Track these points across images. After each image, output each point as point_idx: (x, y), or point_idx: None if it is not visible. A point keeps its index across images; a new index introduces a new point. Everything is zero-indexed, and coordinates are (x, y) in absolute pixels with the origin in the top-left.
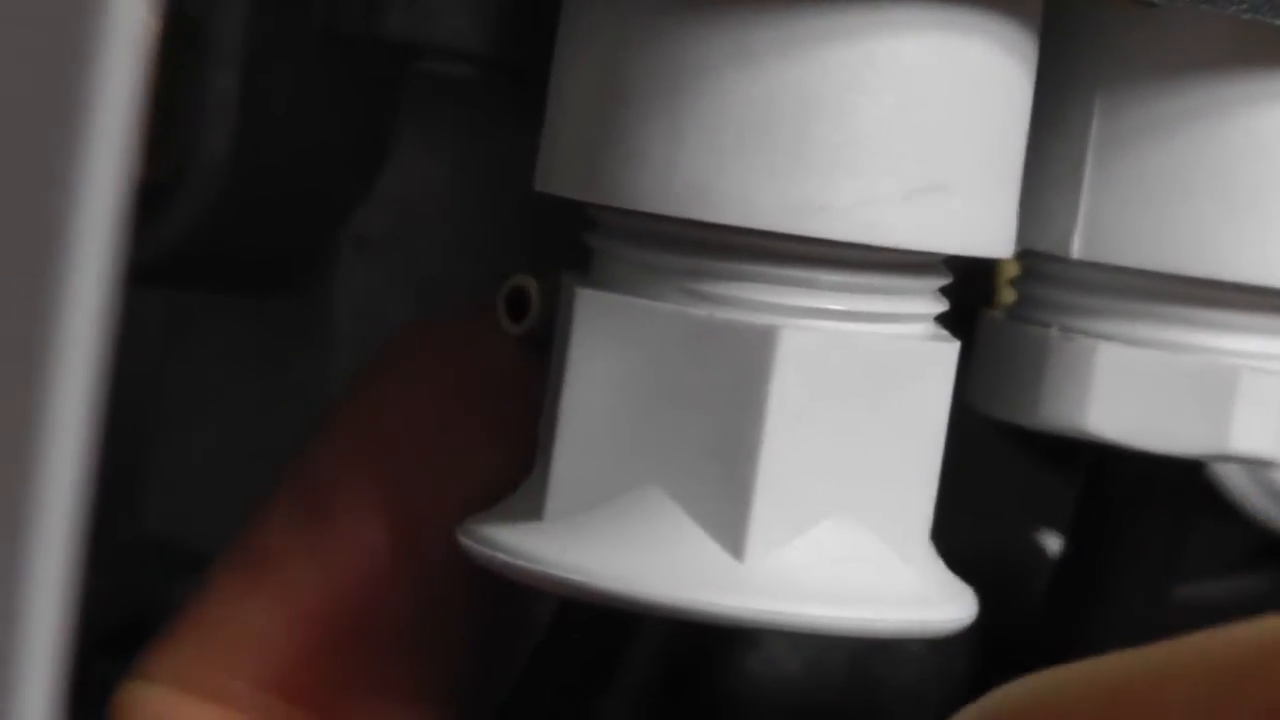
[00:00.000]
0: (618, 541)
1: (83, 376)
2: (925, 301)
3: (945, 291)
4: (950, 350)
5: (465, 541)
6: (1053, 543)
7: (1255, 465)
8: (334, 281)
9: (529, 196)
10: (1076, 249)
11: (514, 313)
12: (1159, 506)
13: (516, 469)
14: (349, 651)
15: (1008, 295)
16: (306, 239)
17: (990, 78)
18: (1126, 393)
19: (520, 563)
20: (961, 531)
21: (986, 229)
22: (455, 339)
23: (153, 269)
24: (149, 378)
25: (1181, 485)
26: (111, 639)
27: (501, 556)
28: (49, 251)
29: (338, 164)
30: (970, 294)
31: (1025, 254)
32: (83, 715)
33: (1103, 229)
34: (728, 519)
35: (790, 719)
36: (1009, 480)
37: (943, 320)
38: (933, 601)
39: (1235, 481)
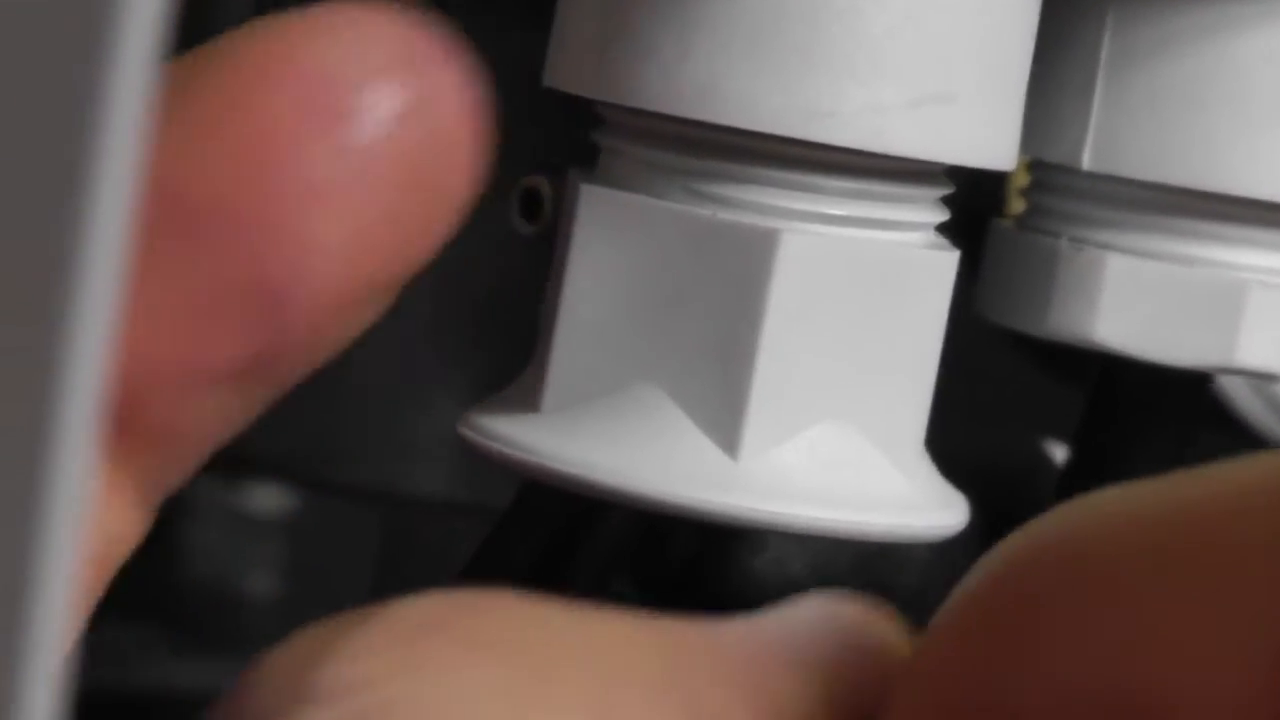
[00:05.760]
0: (613, 437)
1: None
2: (926, 210)
3: (948, 200)
4: (949, 259)
5: (464, 430)
6: (1058, 451)
7: (1261, 380)
8: None
9: (543, 93)
10: (1087, 160)
11: (527, 212)
12: (1165, 418)
13: None
14: None
15: (1018, 204)
16: None
17: None
18: (1135, 304)
19: (516, 454)
20: (967, 438)
21: (989, 140)
22: None
23: None
24: None
25: (1187, 398)
26: None
27: (498, 446)
28: (60, 238)
29: None
30: (980, 201)
31: (1036, 164)
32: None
33: (1114, 141)
34: (723, 418)
35: None
36: (1015, 388)
37: (944, 229)
38: (924, 507)
39: (1240, 397)
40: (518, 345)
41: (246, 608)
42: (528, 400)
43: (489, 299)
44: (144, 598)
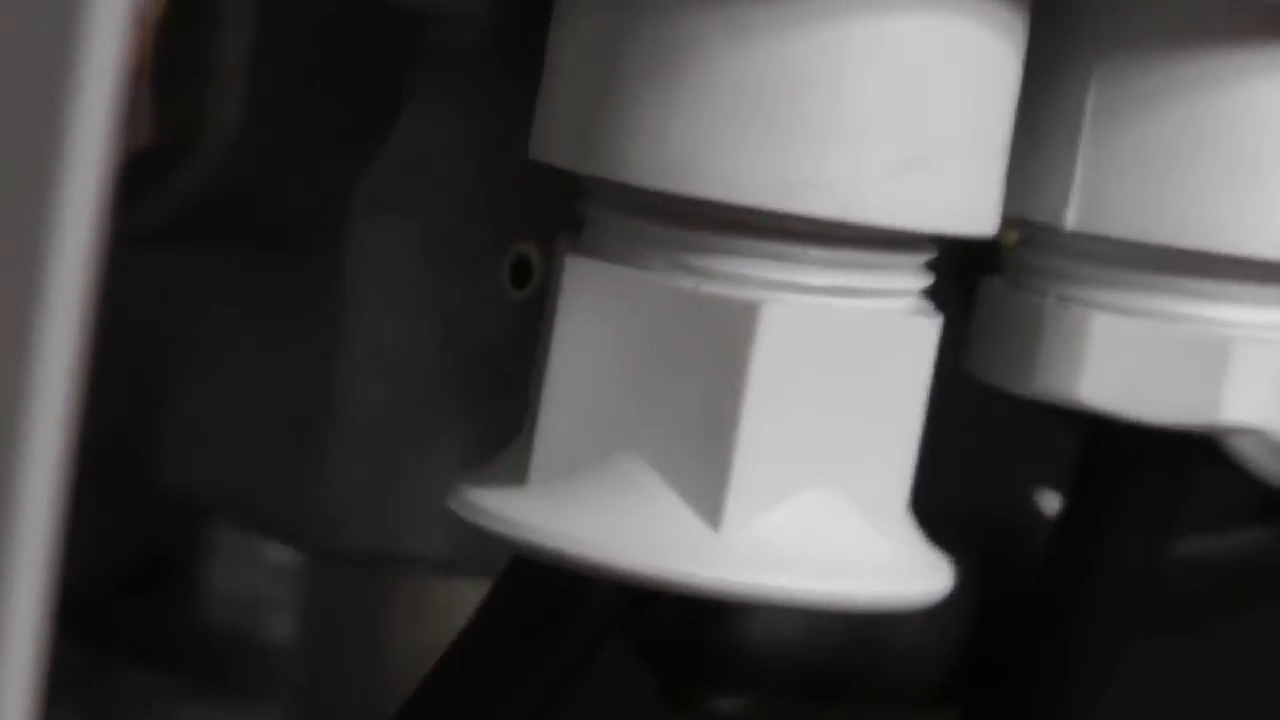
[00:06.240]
0: (596, 509)
1: (67, 337)
2: (909, 276)
3: (933, 265)
4: (932, 325)
5: (452, 502)
6: (1051, 501)
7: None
8: (346, 239)
9: (532, 161)
10: (1071, 220)
11: (517, 279)
12: (1158, 464)
13: None
14: None
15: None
16: (317, 199)
17: (977, 57)
18: (1119, 362)
19: (502, 527)
20: (960, 490)
21: (970, 207)
22: None
23: (168, 229)
24: (166, 334)
25: (1180, 443)
26: (131, 581)
27: (485, 520)
28: (36, 214)
29: (347, 127)
30: (976, 255)
31: (1021, 222)
32: (107, 651)
33: (1097, 201)
34: (706, 489)
35: (790, 682)
36: (1007, 439)
37: (929, 293)
38: (909, 574)
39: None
40: (516, 405)
41: (268, 653)
42: (514, 472)
43: (485, 360)
44: (168, 645)
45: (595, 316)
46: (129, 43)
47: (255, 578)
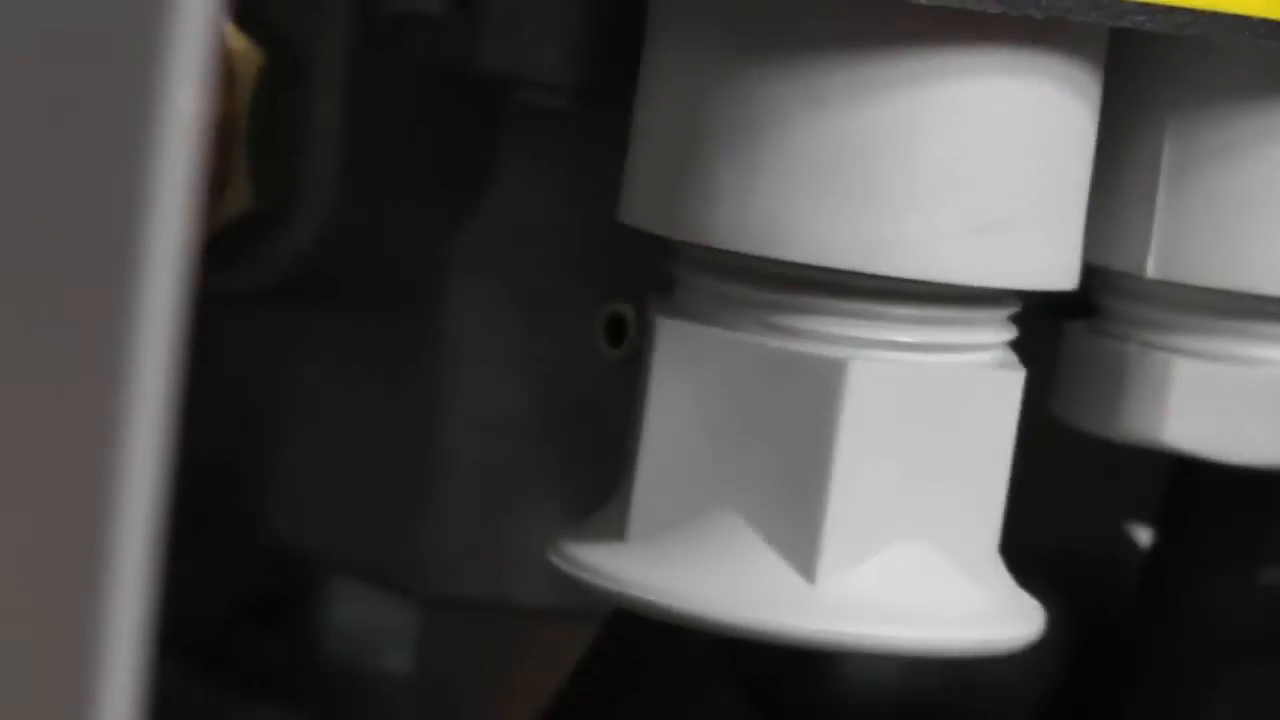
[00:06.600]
0: (694, 564)
1: (158, 393)
2: (992, 330)
3: (1016, 318)
4: (1016, 378)
5: (553, 558)
6: (1142, 535)
7: None
8: (443, 298)
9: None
10: (1151, 268)
11: (612, 337)
12: (1245, 497)
13: None
14: None
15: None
16: (412, 260)
17: (1052, 117)
18: (1203, 406)
19: (602, 582)
20: (1051, 527)
21: (1050, 263)
22: None
23: (268, 290)
24: (272, 390)
25: (1266, 478)
26: (251, 616)
27: (586, 575)
28: (124, 274)
29: (439, 189)
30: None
31: (1104, 271)
32: (230, 686)
33: (1176, 249)
34: (800, 543)
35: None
36: (1098, 476)
37: (1013, 345)
38: (1000, 619)
39: None
40: (613, 459)
41: (386, 689)
42: (613, 528)
43: (582, 416)
44: (288, 680)
45: (688, 377)
46: (214, 105)
47: (372, 613)
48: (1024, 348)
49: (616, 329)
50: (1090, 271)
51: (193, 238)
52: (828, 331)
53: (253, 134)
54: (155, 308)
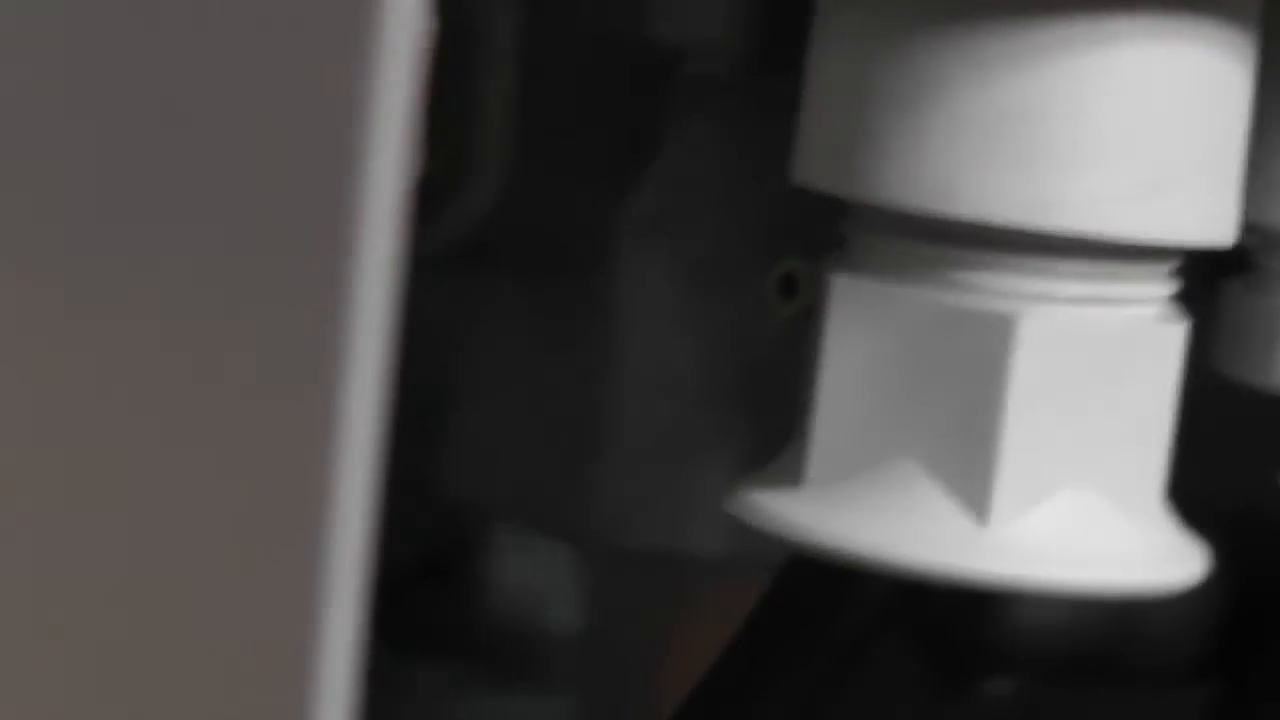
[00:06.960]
0: (871, 509)
1: (375, 362)
2: (1155, 285)
3: (1177, 271)
4: (1178, 330)
5: (731, 505)
6: None
7: None
8: (614, 262)
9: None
10: None
11: (785, 293)
12: None
13: None
14: None
15: None
16: (584, 225)
17: (1209, 79)
18: None
19: (782, 529)
20: (1213, 483)
21: (1211, 219)
22: None
23: (440, 258)
24: (443, 359)
25: None
26: (420, 574)
27: (766, 520)
28: (339, 247)
29: (610, 155)
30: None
31: (1260, 228)
32: (403, 643)
33: None
34: (973, 489)
35: (1056, 665)
36: (1260, 431)
37: (1176, 298)
38: (1164, 562)
39: None
40: (784, 413)
41: (559, 644)
42: (790, 477)
43: (754, 372)
44: (460, 637)
45: (862, 331)
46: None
47: (538, 571)
48: (1186, 302)
49: (788, 286)
50: (1247, 228)
51: (404, 238)
52: (997, 286)
53: (424, 104)
54: (371, 286)
